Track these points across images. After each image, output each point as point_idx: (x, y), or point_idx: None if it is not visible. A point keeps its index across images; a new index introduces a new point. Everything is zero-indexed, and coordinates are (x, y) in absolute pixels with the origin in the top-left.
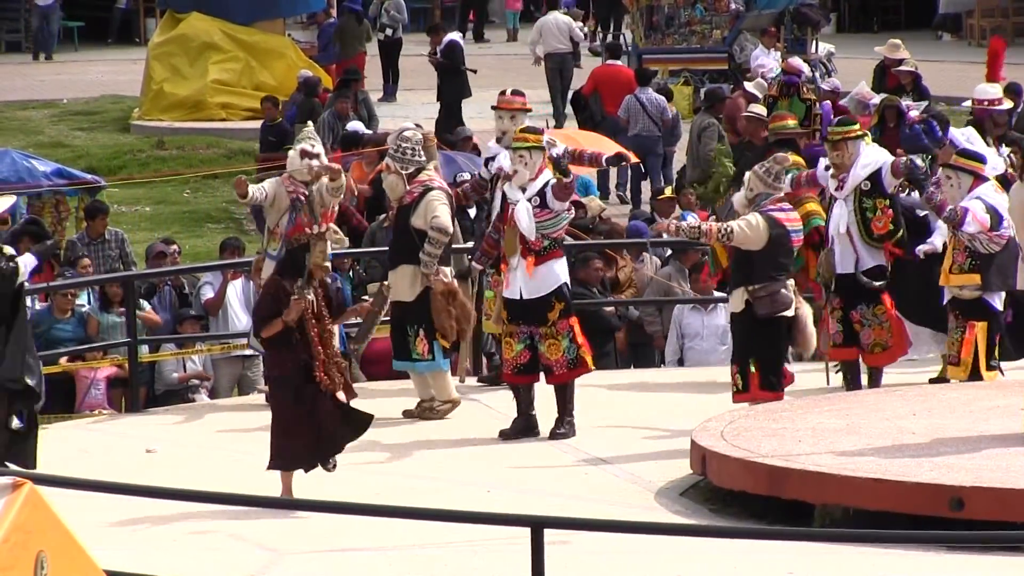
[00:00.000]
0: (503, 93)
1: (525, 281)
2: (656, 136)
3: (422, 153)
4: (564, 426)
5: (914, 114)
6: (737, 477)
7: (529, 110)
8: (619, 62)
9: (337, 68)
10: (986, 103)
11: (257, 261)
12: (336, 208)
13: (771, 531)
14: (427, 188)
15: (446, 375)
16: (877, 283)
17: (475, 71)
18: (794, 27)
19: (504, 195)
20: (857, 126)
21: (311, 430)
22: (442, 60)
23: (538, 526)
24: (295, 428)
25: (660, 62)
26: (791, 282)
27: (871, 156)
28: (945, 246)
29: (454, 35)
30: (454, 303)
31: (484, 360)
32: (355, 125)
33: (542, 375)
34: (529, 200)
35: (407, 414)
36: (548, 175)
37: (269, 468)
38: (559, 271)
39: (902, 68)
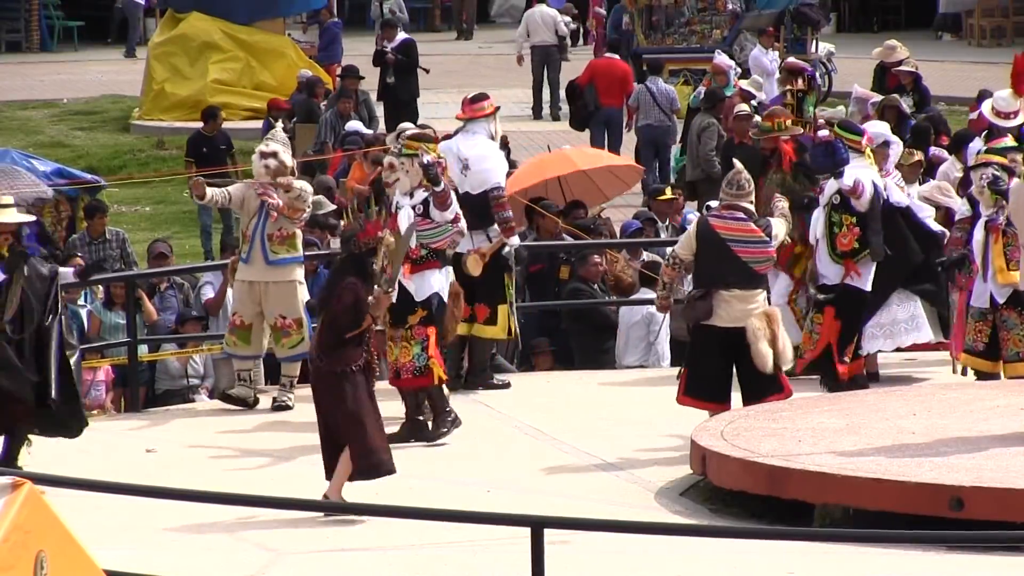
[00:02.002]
0: (470, 101)
1: (405, 284)
2: (666, 126)
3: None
4: (445, 425)
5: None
6: (737, 477)
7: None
8: (616, 55)
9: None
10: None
11: (233, 262)
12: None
13: (771, 531)
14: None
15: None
16: (821, 296)
17: (427, 70)
18: (794, 27)
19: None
20: (857, 136)
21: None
22: (401, 58)
23: (538, 526)
24: (376, 423)
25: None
26: (739, 292)
27: (850, 172)
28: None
29: (403, 34)
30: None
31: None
32: (355, 125)
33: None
34: (413, 208)
35: None
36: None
37: (362, 479)
38: (434, 282)
39: (902, 68)
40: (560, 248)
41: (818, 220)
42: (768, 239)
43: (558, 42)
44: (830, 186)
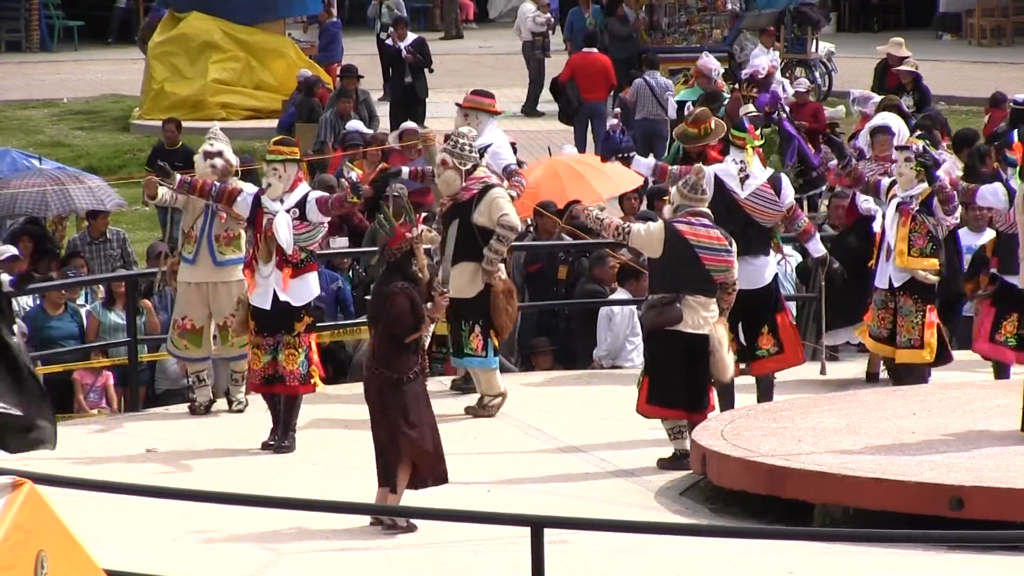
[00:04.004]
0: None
1: (279, 292)
2: (663, 119)
3: (478, 151)
4: (288, 440)
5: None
6: (737, 477)
7: (483, 110)
8: (595, 50)
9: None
10: None
11: (172, 264)
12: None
13: (771, 531)
14: (487, 185)
15: (496, 371)
16: None
17: (432, 70)
18: (794, 26)
19: (258, 203)
20: (743, 135)
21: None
22: (419, 57)
23: (538, 526)
24: (433, 429)
25: (660, 61)
26: (702, 299)
27: (719, 166)
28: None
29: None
30: (511, 302)
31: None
32: (355, 125)
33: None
34: (288, 211)
35: (470, 411)
36: (305, 187)
37: (426, 486)
38: (313, 284)
39: (902, 68)
40: (559, 248)
41: None
42: (729, 248)
43: (532, 39)
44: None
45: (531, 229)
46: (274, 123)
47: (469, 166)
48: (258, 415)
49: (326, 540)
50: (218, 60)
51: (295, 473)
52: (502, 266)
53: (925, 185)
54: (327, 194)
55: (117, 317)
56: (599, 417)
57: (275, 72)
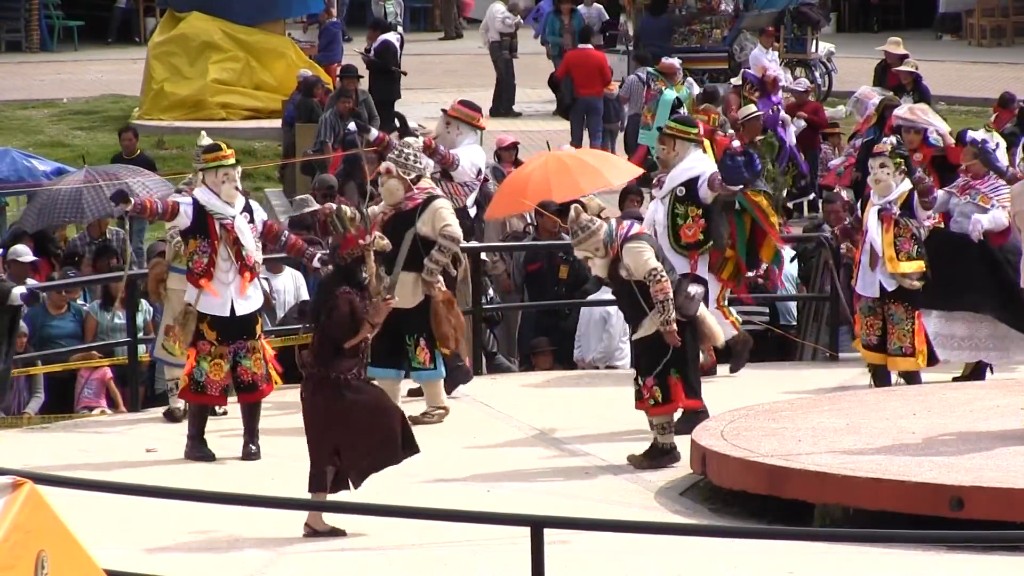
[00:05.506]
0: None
1: (238, 298)
2: None
3: (423, 160)
4: (256, 446)
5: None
6: (737, 477)
7: (467, 122)
8: (590, 46)
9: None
10: None
11: (160, 272)
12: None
13: (771, 531)
14: (431, 196)
15: (440, 383)
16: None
17: (405, 73)
18: (794, 26)
19: (202, 211)
20: (695, 129)
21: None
22: (374, 59)
23: (538, 526)
24: (370, 433)
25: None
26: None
27: (693, 162)
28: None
29: (390, 35)
30: (452, 312)
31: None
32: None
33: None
34: (240, 215)
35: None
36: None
37: (366, 476)
38: (265, 287)
39: (902, 68)
40: (559, 247)
41: (655, 215)
42: None
43: (500, 39)
44: (670, 179)
45: (528, 229)
46: (274, 123)
47: (413, 176)
48: None
49: (326, 540)
50: (218, 60)
51: (295, 473)
52: (441, 277)
53: (901, 189)
54: (275, 225)
55: (115, 317)
56: (599, 417)
57: (275, 72)
